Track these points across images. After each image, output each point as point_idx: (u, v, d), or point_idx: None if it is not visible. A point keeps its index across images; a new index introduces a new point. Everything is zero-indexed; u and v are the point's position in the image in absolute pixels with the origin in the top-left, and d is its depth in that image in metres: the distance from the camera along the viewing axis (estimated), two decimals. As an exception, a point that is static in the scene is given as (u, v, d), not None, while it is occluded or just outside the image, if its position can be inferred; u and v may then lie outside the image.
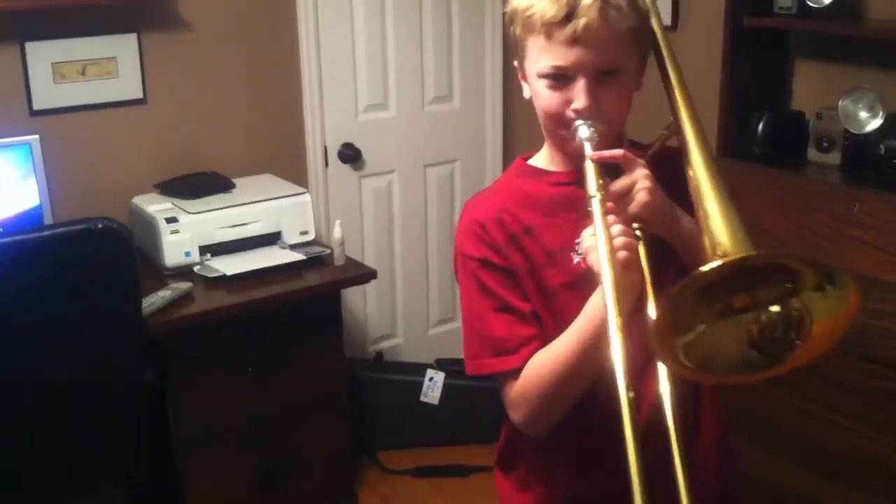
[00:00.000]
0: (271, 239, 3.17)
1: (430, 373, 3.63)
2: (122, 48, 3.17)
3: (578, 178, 1.40)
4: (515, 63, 1.47)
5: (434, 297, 4.02)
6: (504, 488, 1.64)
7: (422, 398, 3.62)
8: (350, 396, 3.36)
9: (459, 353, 1.55)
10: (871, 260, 2.44)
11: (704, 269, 1.06)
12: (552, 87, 1.38)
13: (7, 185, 2.87)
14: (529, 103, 1.47)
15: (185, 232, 2.99)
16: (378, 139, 3.76)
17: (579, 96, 1.35)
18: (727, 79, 2.87)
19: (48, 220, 2.93)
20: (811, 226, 2.60)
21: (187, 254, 2.99)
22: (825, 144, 2.77)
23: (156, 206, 3.07)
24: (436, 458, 3.62)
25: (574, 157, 1.41)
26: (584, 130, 1.35)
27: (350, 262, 3.21)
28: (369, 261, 3.65)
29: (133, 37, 3.18)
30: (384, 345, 3.94)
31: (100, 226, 2.34)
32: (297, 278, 3.04)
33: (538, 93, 1.41)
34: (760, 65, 2.94)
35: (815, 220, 2.60)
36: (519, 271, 1.45)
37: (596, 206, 1.28)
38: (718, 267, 1.07)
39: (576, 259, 1.40)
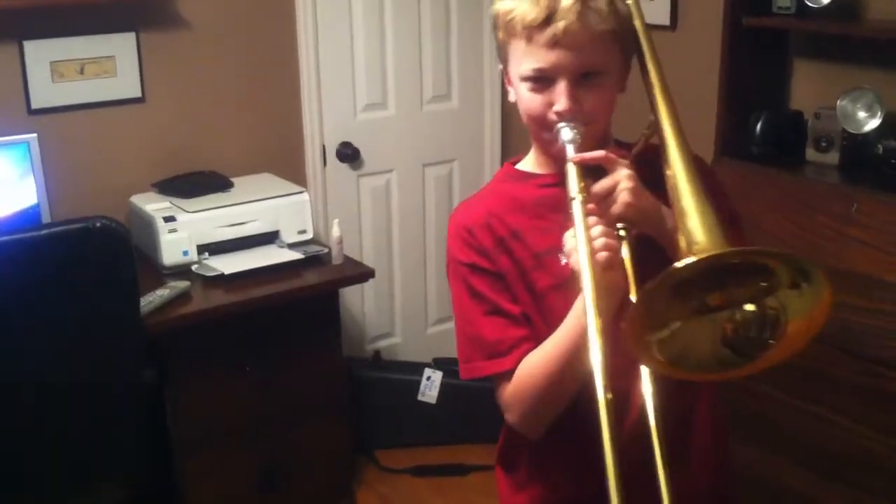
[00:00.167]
0: (269, 238, 3.17)
1: (427, 372, 3.63)
2: (121, 47, 3.17)
3: (564, 180, 1.41)
4: (500, 67, 1.48)
5: (432, 296, 4.02)
6: (503, 487, 1.64)
7: (419, 397, 3.62)
8: (348, 395, 3.36)
9: (457, 353, 1.56)
10: (870, 260, 2.44)
11: (678, 265, 1.07)
12: (534, 90, 1.39)
13: (5, 184, 2.87)
14: None
15: (184, 231, 2.98)
16: (376, 138, 3.76)
17: (560, 98, 1.36)
18: (726, 78, 2.87)
19: (46, 218, 2.93)
20: (810, 226, 2.60)
21: (185, 253, 2.99)
22: (824, 144, 2.77)
23: (154, 205, 3.07)
24: (434, 457, 3.62)
25: (559, 159, 1.42)
26: (566, 132, 1.36)
27: (348, 261, 3.21)
28: (367, 260, 3.65)
29: (131, 36, 3.18)
30: (382, 344, 3.94)
31: (98, 225, 2.33)
32: (295, 277, 3.04)
33: (521, 96, 1.42)
34: (759, 64, 2.94)
35: (813, 220, 2.60)
36: (508, 274, 1.46)
37: (576, 208, 1.29)
38: (693, 263, 1.08)
39: (563, 260, 1.40)
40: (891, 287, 2.38)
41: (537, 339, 1.42)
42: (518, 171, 1.55)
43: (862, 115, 2.67)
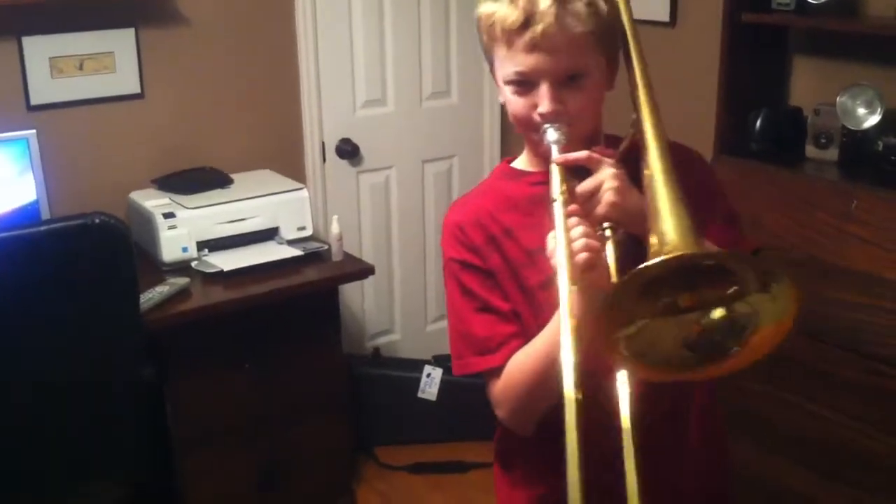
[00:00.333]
0: (269, 234, 3.16)
1: (427, 369, 3.63)
2: (120, 43, 3.17)
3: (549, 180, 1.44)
4: (488, 69, 1.49)
5: (432, 293, 4.02)
6: (501, 485, 1.65)
7: (419, 394, 3.62)
8: (348, 392, 3.36)
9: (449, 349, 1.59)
10: (869, 256, 2.44)
11: (646, 264, 1.08)
12: (518, 93, 1.40)
13: (4, 181, 2.86)
14: None
15: (183, 227, 2.98)
16: (376, 135, 3.75)
17: (543, 101, 1.37)
18: (725, 75, 2.87)
19: (45, 215, 2.93)
20: (809, 222, 2.60)
21: (184, 249, 2.98)
22: (823, 141, 2.77)
23: (153, 202, 3.07)
24: (433, 454, 3.62)
25: (547, 159, 1.43)
26: (551, 133, 1.37)
27: (348, 257, 3.21)
28: (367, 256, 3.65)
29: (131, 31, 3.18)
30: (382, 341, 3.94)
31: (97, 221, 2.33)
32: (294, 274, 3.04)
33: (507, 98, 1.43)
34: (759, 61, 2.94)
35: (813, 217, 2.60)
36: (499, 272, 1.47)
37: (557, 210, 1.29)
38: (660, 263, 1.08)
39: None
40: (890, 284, 2.38)
41: (528, 336, 1.43)
42: (512, 168, 1.56)
43: (861, 111, 2.67)
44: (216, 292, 2.89)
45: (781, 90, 3.04)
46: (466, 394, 3.55)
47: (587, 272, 1.26)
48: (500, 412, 1.48)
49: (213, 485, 2.97)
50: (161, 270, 2.96)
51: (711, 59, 2.91)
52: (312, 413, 3.13)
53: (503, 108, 1.48)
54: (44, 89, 3.07)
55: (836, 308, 2.46)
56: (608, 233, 1.29)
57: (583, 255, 1.26)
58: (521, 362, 1.43)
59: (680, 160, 1.27)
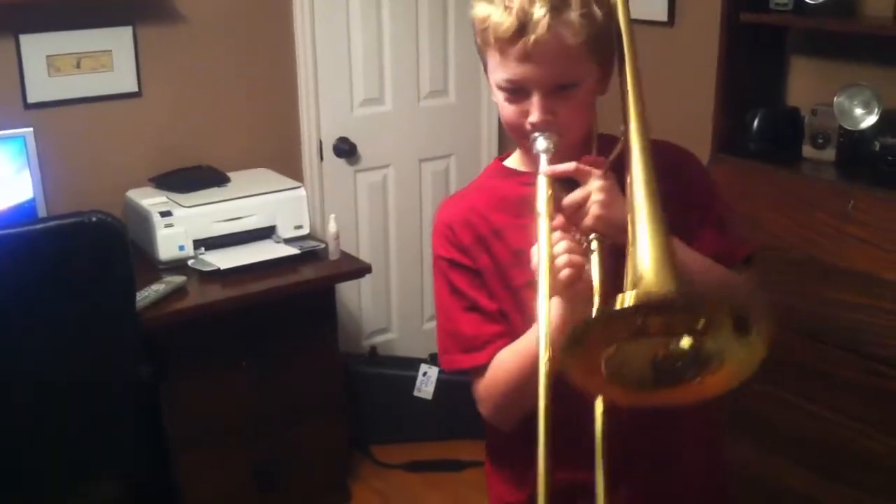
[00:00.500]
0: (266, 233, 3.16)
1: (423, 368, 3.63)
2: (118, 41, 3.16)
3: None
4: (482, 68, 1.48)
5: (428, 292, 4.02)
6: (491, 483, 1.66)
7: (416, 393, 3.62)
8: (344, 391, 3.36)
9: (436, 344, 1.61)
10: (867, 257, 2.45)
11: (614, 307, 1.07)
12: (509, 100, 1.40)
13: (1, 179, 2.86)
14: None
15: (180, 226, 2.98)
16: (373, 134, 3.75)
17: (533, 111, 1.36)
18: (723, 75, 2.87)
19: (42, 213, 2.92)
20: (807, 223, 2.60)
21: (181, 248, 2.98)
22: (820, 141, 2.77)
23: (150, 200, 3.06)
24: (429, 452, 3.62)
25: (538, 162, 1.43)
26: (540, 142, 1.36)
27: (345, 256, 3.21)
28: (364, 255, 3.65)
29: (128, 30, 3.17)
30: (378, 339, 3.94)
31: (94, 219, 2.33)
32: (291, 272, 3.04)
33: (499, 102, 1.43)
34: (756, 61, 2.94)
35: (810, 217, 2.60)
36: (486, 271, 1.48)
37: (541, 224, 1.28)
38: (631, 307, 1.07)
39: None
40: (888, 284, 2.38)
41: (514, 334, 1.45)
42: (504, 167, 1.56)
43: (859, 111, 2.67)
44: (213, 291, 2.89)
45: (779, 90, 3.04)
46: (463, 392, 3.49)
47: (569, 288, 1.27)
48: (483, 409, 1.51)
49: (211, 483, 2.97)
50: (158, 269, 2.96)
51: (709, 58, 2.91)
52: (309, 411, 3.13)
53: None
54: (41, 87, 3.06)
55: (835, 308, 2.46)
56: (594, 245, 1.29)
57: (565, 272, 1.26)
58: (505, 361, 1.44)
59: (672, 163, 1.26)
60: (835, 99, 2.68)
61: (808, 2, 2.67)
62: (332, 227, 3.15)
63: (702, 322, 1.09)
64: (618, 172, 1.31)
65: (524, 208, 1.44)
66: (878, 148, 2.61)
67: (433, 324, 3.99)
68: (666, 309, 1.10)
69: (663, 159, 1.27)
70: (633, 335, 1.11)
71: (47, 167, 2.98)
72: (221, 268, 2.94)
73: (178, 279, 2.86)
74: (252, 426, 3.02)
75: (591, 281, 1.27)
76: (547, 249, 1.26)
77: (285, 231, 3.17)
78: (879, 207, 2.48)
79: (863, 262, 2.44)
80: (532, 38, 1.31)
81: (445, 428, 3.66)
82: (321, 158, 3.67)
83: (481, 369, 1.48)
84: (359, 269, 3.21)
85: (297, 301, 3.02)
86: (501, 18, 1.33)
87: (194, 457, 2.93)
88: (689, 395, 1.16)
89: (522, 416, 1.42)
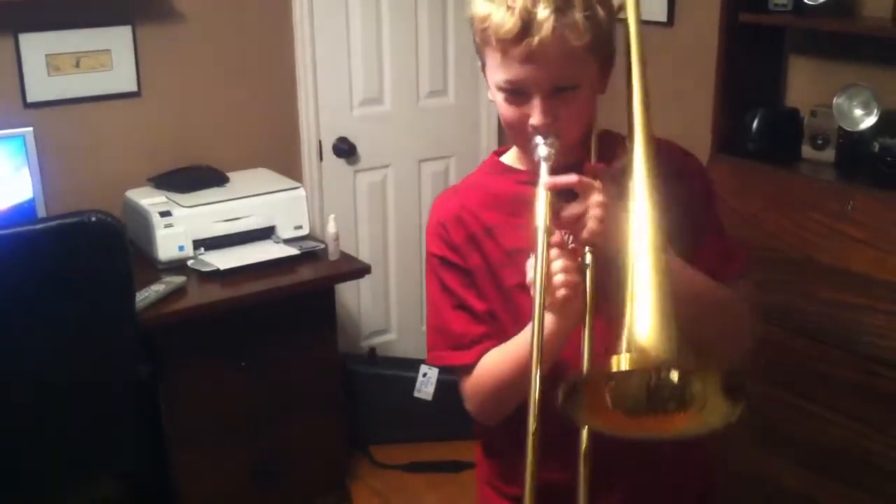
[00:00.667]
0: (265, 233, 3.16)
1: (423, 368, 3.63)
2: (117, 40, 3.16)
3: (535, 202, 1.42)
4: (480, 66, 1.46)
5: (428, 292, 4.01)
6: (480, 482, 1.68)
7: (415, 394, 3.62)
8: (343, 391, 3.36)
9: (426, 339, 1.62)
10: (865, 257, 2.45)
11: (609, 370, 1.05)
12: (509, 101, 1.38)
13: (0, 178, 2.86)
14: None
15: (179, 226, 2.98)
16: (373, 134, 3.75)
17: (535, 114, 1.34)
18: (722, 75, 2.87)
19: (41, 213, 2.92)
20: (805, 223, 2.61)
21: (181, 248, 2.98)
22: (820, 142, 2.78)
23: (149, 200, 3.06)
24: (428, 453, 3.62)
25: (538, 170, 1.42)
26: (542, 149, 1.33)
27: (344, 256, 3.21)
28: (363, 256, 3.65)
29: (127, 29, 3.17)
30: (378, 340, 3.94)
31: (93, 219, 2.33)
32: (290, 273, 3.03)
33: (498, 103, 1.41)
34: (756, 61, 2.94)
35: (809, 218, 2.60)
36: (477, 271, 1.48)
37: (539, 239, 1.26)
38: (625, 372, 1.05)
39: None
40: (886, 285, 2.38)
41: (503, 335, 1.45)
42: (500, 163, 1.55)
43: (858, 112, 2.67)
44: (212, 291, 2.89)
45: (778, 90, 3.04)
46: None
47: (565, 306, 1.28)
48: (469, 405, 1.52)
49: (209, 481, 2.97)
50: (157, 269, 2.96)
51: (709, 59, 2.91)
52: (308, 412, 3.13)
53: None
54: (40, 87, 3.06)
55: (833, 308, 2.46)
56: (588, 258, 1.28)
57: (561, 292, 1.26)
58: (493, 363, 1.45)
59: (674, 165, 1.25)
60: (834, 100, 2.68)
61: (808, 2, 2.68)
62: (331, 227, 3.15)
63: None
64: (620, 181, 1.28)
65: (518, 207, 1.43)
66: (877, 149, 2.61)
67: (432, 324, 4.03)
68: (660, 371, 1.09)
69: (666, 160, 1.26)
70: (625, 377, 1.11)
71: (46, 167, 2.98)
72: (221, 268, 2.94)
73: (178, 279, 2.86)
74: (251, 426, 3.02)
75: (585, 296, 1.27)
76: (544, 266, 1.25)
77: (285, 231, 3.17)
78: (878, 208, 2.48)
79: (861, 263, 2.45)
80: (536, 39, 1.29)
81: (445, 429, 3.65)
82: (321, 159, 3.67)
83: (468, 368, 1.48)
84: (358, 270, 3.20)
85: (296, 301, 3.02)
86: (503, 18, 1.31)
87: (194, 456, 2.92)
88: (669, 429, 1.13)
89: (507, 413, 1.44)
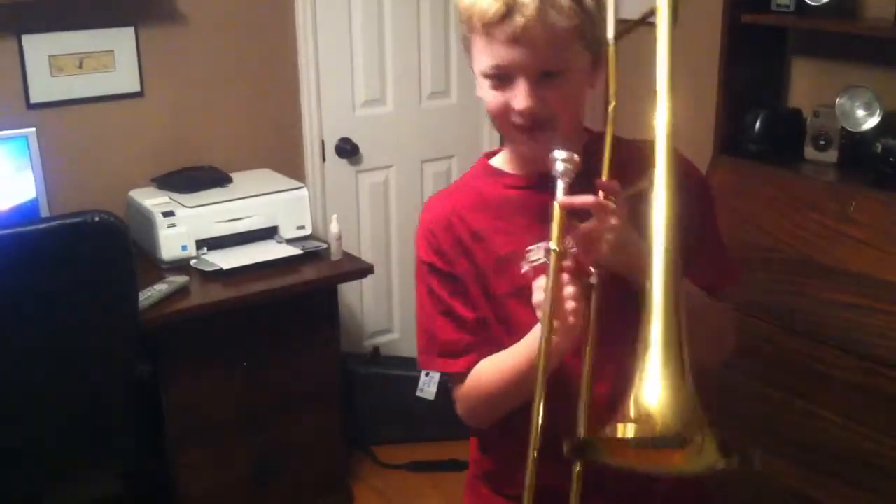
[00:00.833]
0: (268, 233, 3.16)
1: (426, 368, 3.63)
2: (120, 41, 3.17)
3: (531, 183, 1.43)
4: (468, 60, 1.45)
5: (430, 292, 4.01)
6: (469, 474, 1.69)
7: (418, 393, 3.62)
8: (346, 391, 3.36)
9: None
10: (867, 258, 2.45)
11: (615, 436, 1.02)
12: (495, 88, 1.36)
13: (3, 178, 2.86)
14: None
15: (182, 226, 2.98)
16: (375, 134, 3.75)
17: (519, 96, 1.33)
18: (724, 75, 2.88)
19: (44, 213, 2.93)
20: (807, 224, 2.61)
21: (184, 248, 2.98)
22: (822, 142, 2.78)
23: (152, 200, 3.07)
24: (431, 452, 3.62)
25: (526, 159, 1.42)
26: (559, 165, 1.28)
27: (347, 256, 3.21)
28: (366, 256, 3.65)
29: (130, 30, 3.18)
30: (380, 339, 3.94)
31: (96, 219, 2.33)
32: (293, 273, 3.04)
33: (484, 94, 1.39)
34: (758, 62, 2.94)
35: (810, 218, 2.61)
36: (465, 277, 1.46)
37: (552, 262, 1.25)
38: (631, 439, 1.02)
39: (525, 267, 1.39)
40: (887, 285, 2.38)
41: (494, 343, 1.44)
42: (490, 166, 1.53)
43: (860, 113, 2.68)
44: (215, 291, 2.90)
45: (780, 91, 3.05)
46: (465, 393, 3.54)
47: (570, 332, 1.27)
48: (461, 411, 1.53)
49: (208, 479, 2.97)
50: (160, 269, 2.96)
51: (711, 58, 2.91)
52: (310, 412, 3.13)
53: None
54: (43, 87, 3.07)
55: (835, 309, 2.46)
56: (594, 280, 1.27)
57: (570, 319, 1.26)
58: (487, 373, 1.44)
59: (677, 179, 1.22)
60: (836, 100, 2.68)
61: (810, 3, 2.68)
62: (333, 227, 3.15)
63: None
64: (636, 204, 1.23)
65: (507, 212, 1.44)
66: (879, 149, 2.61)
67: (435, 324, 4.03)
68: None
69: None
70: None
71: (50, 167, 2.98)
72: (224, 268, 2.95)
73: (181, 279, 2.86)
74: (253, 426, 3.02)
75: (589, 319, 1.27)
76: (553, 291, 1.24)
77: (287, 231, 3.17)
78: (880, 209, 2.48)
79: (861, 264, 2.45)
80: (520, 20, 1.28)
81: (447, 428, 3.64)
82: (323, 159, 3.67)
83: (459, 376, 1.48)
84: (361, 270, 3.21)
85: (299, 301, 3.02)
86: (488, 2, 1.30)
87: (196, 456, 2.93)
88: (664, 464, 1.10)
89: (500, 416, 1.45)
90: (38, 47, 3.03)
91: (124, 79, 3.20)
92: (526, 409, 1.30)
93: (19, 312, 2.31)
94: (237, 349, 2.93)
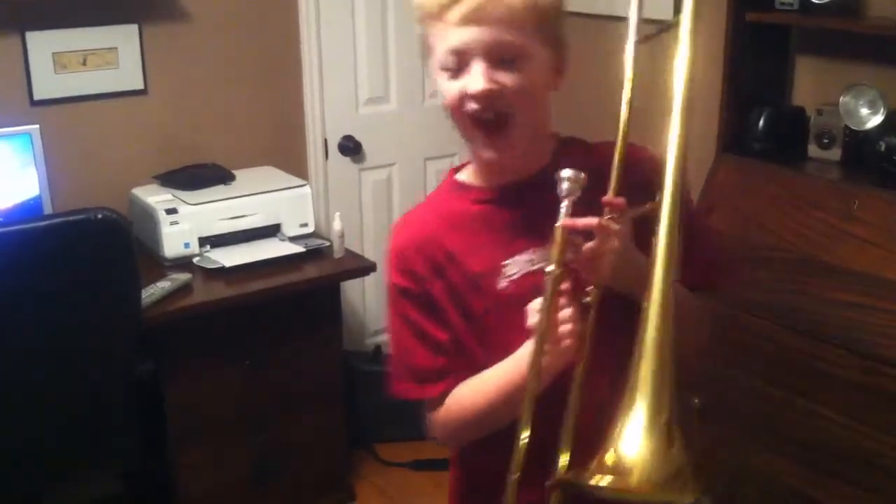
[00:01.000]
0: (271, 231, 3.17)
1: (428, 366, 3.63)
2: (123, 38, 3.17)
3: (495, 196, 1.40)
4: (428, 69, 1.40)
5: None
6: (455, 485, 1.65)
7: (420, 391, 3.61)
8: (348, 389, 3.36)
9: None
10: (870, 257, 2.44)
11: (598, 484, 1.01)
12: (452, 78, 1.31)
13: (7, 175, 2.87)
14: None
15: (185, 223, 2.99)
16: (378, 132, 3.75)
17: (475, 78, 1.28)
18: (728, 74, 2.87)
19: (48, 210, 2.93)
20: (810, 222, 2.60)
21: (187, 245, 2.99)
22: (825, 141, 2.77)
23: (155, 198, 3.07)
24: (433, 451, 3.61)
25: (492, 169, 1.40)
26: (565, 184, 1.23)
27: (349, 254, 3.21)
28: (368, 254, 3.65)
29: (134, 27, 3.18)
30: (383, 338, 3.94)
31: (99, 216, 2.34)
32: (296, 271, 3.04)
33: (443, 89, 1.34)
34: (761, 60, 2.94)
35: (814, 217, 2.60)
36: (441, 300, 1.41)
37: (549, 285, 1.23)
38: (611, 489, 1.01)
39: (502, 283, 1.37)
40: (890, 284, 2.38)
41: (472, 364, 1.40)
42: (457, 181, 1.48)
43: (864, 111, 2.67)
44: (218, 288, 2.90)
45: (784, 89, 3.04)
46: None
47: (564, 356, 1.25)
48: (439, 435, 1.48)
49: (210, 477, 2.97)
50: (163, 266, 2.97)
51: (714, 57, 2.90)
52: (312, 410, 3.13)
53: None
54: (47, 84, 3.07)
55: (837, 308, 2.45)
56: (590, 299, 1.25)
57: (566, 342, 1.24)
58: (465, 397, 1.40)
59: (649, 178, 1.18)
60: (840, 99, 2.67)
61: (814, 1, 2.67)
62: (336, 225, 3.15)
63: None
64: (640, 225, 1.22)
65: (477, 228, 1.40)
66: (883, 148, 2.60)
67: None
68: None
69: (651, 169, 1.20)
70: None
71: (53, 164, 2.98)
72: (226, 265, 2.95)
73: (184, 276, 2.87)
74: (255, 424, 3.03)
75: (584, 341, 1.25)
76: (549, 313, 1.22)
77: (290, 229, 3.17)
78: (884, 207, 2.47)
79: (865, 263, 2.44)
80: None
81: (449, 426, 3.66)
82: (326, 157, 3.67)
83: (433, 402, 1.44)
84: (363, 268, 3.21)
85: (301, 299, 3.02)
86: None
87: (196, 456, 2.93)
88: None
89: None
90: (42, 44, 3.03)
91: (128, 76, 3.21)
92: (508, 428, 1.27)
93: (20, 310, 2.31)
94: (239, 347, 2.94)
